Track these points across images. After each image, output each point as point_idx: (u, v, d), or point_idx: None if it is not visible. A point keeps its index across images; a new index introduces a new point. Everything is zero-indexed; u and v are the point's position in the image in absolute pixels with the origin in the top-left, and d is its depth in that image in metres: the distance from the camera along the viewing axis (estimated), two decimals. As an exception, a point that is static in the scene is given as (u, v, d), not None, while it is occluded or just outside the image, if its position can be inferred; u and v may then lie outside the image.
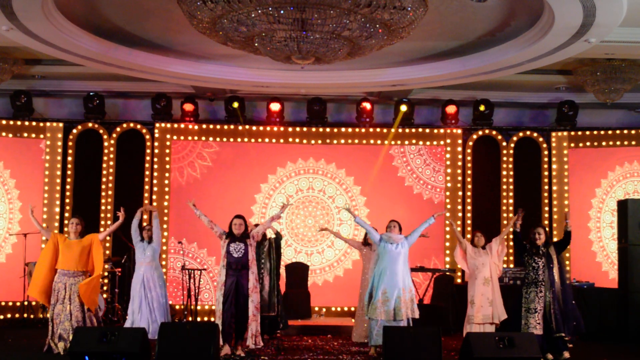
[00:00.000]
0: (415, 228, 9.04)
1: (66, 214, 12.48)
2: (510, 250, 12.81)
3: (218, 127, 13.00)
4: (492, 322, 9.49)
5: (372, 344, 8.73)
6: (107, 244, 12.49)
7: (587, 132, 13.01)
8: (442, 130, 13.10)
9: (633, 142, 12.84)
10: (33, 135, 12.65)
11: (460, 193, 12.96)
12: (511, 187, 13.01)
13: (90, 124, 12.76)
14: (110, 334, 7.40)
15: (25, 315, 11.67)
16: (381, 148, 13.10)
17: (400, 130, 13.08)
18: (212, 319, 8.86)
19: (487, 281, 9.60)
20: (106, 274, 11.67)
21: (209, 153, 13.01)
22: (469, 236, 12.65)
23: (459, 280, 12.06)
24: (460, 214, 12.89)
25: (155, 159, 12.82)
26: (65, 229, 8.80)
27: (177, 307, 12.33)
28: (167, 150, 12.85)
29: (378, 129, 13.11)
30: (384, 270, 8.73)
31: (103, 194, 12.67)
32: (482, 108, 12.86)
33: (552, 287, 8.51)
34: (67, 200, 12.62)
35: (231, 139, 13.00)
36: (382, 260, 8.84)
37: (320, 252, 12.99)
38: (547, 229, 9.96)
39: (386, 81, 11.65)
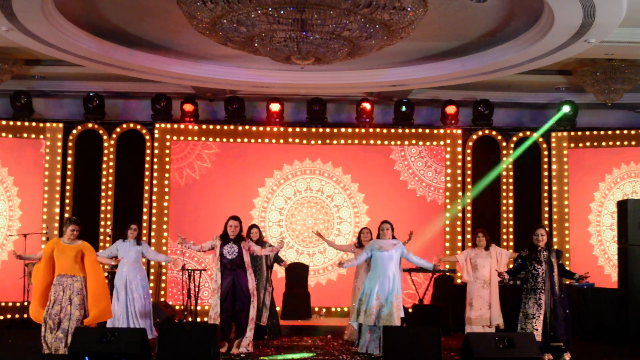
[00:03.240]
0: (416, 258, 8.94)
1: (66, 215, 12.48)
2: (511, 251, 12.82)
3: (218, 127, 13.00)
4: (489, 325, 9.50)
5: (371, 353, 8.69)
6: (107, 245, 12.48)
7: (587, 133, 13.01)
8: (442, 131, 13.10)
9: (633, 143, 12.84)
10: (33, 136, 12.65)
11: (460, 193, 12.96)
12: (511, 187, 13.01)
13: (90, 125, 12.76)
14: (110, 334, 7.41)
15: (25, 315, 11.64)
16: (381, 148, 13.10)
17: (400, 130, 13.09)
18: (206, 319, 8.87)
19: (486, 284, 9.59)
20: (106, 274, 11.66)
21: (208, 153, 13.01)
22: (469, 236, 12.67)
23: (458, 281, 12.04)
24: (460, 214, 12.89)
25: (155, 160, 12.82)
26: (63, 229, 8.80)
27: (177, 307, 12.34)
28: (167, 151, 12.85)
29: (378, 129, 13.11)
30: (377, 277, 8.69)
31: (103, 194, 12.67)
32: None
33: (554, 296, 8.46)
34: (67, 201, 12.62)
35: (231, 140, 13.00)
36: (375, 267, 8.79)
37: (311, 255, 12.97)
38: (547, 228, 9.88)
39: (386, 81, 11.65)
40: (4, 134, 12.54)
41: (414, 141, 13.14)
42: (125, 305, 9.76)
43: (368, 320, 8.56)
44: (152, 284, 12.03)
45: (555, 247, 9.23)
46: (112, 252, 9.96)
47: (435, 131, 13.14)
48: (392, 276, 8.70)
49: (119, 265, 9.99)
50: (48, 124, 12.69)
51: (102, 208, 12.62)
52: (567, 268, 12.40)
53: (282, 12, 7.42)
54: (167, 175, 12.81)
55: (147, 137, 12.85)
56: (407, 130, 13.12)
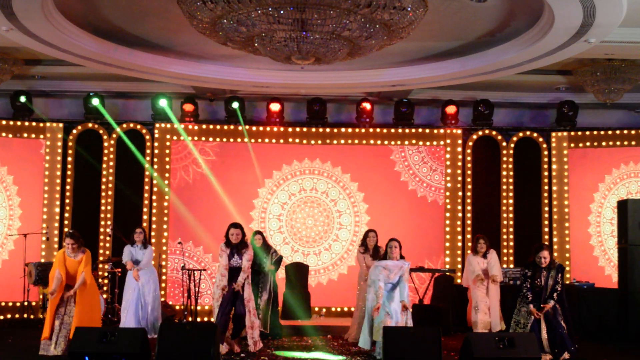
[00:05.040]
0: (405, 289, 8.73)
1: (66, 214, 12.49)
2: (511, 251, 12.83)
3: (218, 127, 13.00)
4: (490, 330, 9.53)
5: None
6: (107, 245, 12.50)
7: (587, 132, 13.01)
8: (442, 131, 13.10)
9: (633, 142, 12.84)
10: (33, 136, 12.65)
11: (460, 193, 12.96)
12: (511, 187, 13.00)
13: (90, 124, 12.76)
14: (110, 334, 7.40)
15: (25, 315, 11.67)
16: (381, 148, 13.10)
17: (400, 130, 13.08)
18: (212, 319, 8.95)
19: (487, 290, 9.70)
20: (106, 274, 11.68)
21: (209, 153, 13.01)
22: (469, 236, 12.67)
23: (458, 281, 12.05)
24: (460, 214, 12.89)
25: (155, 159, 12.82)
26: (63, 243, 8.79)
27: (177, 307, 12.33)
28: (167, 151, 12.85)
29: (378, 129, 13.10)
30: (385, 293, 8.67)
31: (103, 194, 12.67)
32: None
33: (547, 314, 8.47)
34: (67, 201, 12.61)
35: (231, 139, 13.00)
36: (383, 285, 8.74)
37: (318, 253, 12.98)
38: (550, 249, 9.60)
39: (386, 81, 11.66)
40: (4, 134, 12.54)
41: (414, 141, 13.14)
42: (136, 311, 9.75)
43: (378, 336, 8.48)
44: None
45: (557, 262, 9.13)
46: (127, 257, 9.95)
47: (435, 131, 13.14)
48: (396, 299, 8.67)
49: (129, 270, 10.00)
50: (48, 124, 12.69)
51: (102, 208, 12.62)
52: (568, 275, 12.43)
53: (282, 12, 7.42)
54: (167, 175, 12.81)
55: (147, 137, 12.85)
56: (407, 130, 13.12)
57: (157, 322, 9.83)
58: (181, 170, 12.95)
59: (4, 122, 12.56)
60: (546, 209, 12.94)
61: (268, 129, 12.99)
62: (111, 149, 12.75)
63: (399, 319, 8.61)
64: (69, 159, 12.69)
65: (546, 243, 12.20)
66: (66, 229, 12.24)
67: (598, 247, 12.78)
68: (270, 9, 7.39)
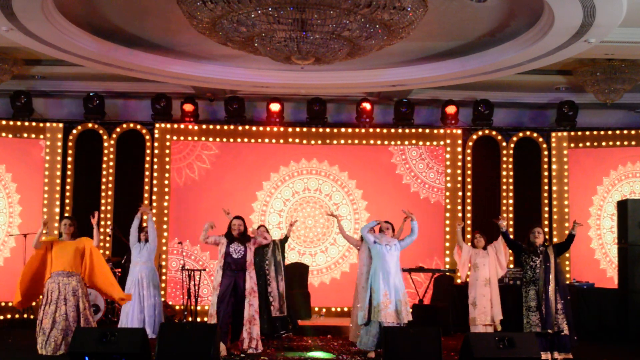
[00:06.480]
0: (406, 237, 9.02)
1: (66, 215, 12.48)
2: (510, 251, 12.82)
3: (218, 127, 13.01)
4: (492, 323, 9.55)
5: (372, 348, 8.67)
6: (107, 245, 12.49)
7: (587, 133, 13.01)
8: (442, 131, 13.10)
9: (633, 142, 12.85)
10: (33, 136, 12.65)
11: (460, 193, 12.96)
12: (511, 187, 13.01)
13: (90, 124, 12.76)
14: (110, 334, 7.39)
15: (25, 315, 11.68)
16: (381, 148, 13.10)
17: (400, 130, 13.08)
18: (210, 314, 8.92)
19: (487, 282, 9.69)
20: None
21: (208, 154, 13.01)
22: (469, 236, 12.66)
23: (458, 281, 12.04)
24: (460, 214, 12.89)
25: (155, 160, 12.82)
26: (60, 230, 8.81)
27: (177, 307, 12.33)
28: (167, 151, 12.85)
29: (378, 130, 13.11)
30: (381, 273, 8.69)
31: (103, 194, 12.67)
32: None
33: (546, 286, 8.50)
34: (67, 201, 12.61)
35: (231, 140, 13.00)
36: (376, 263, 8.81)
37: (314, 254, 12.98)
38: (545, 229, 9.94)
39: (386, 81, 11.66)
40: (4, 134, 12.54)
41: (414, 141, 13.14)
42: (136, 302, 9.76)
43: (383, 316, 8.53)
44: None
45: (555, 239, 9.28)
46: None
47: (435, 131, 13.14)
48: (394, 276, 8.70)
49: (131, 265, 10.01)
50: (48, 124, 12.69)
51: (102, 208, 12.62)
52: (568, 275, 12.42)
53: (282, 12, 7.42)
54: (167, 175, 12.81)
55: (147, 137, 12.85)
56: (407, 130, 13.12)
57: (159, 317, 9.85)
58: (181, 170, 12.95)
59: (4, 122, 12.56)
60: (546, 209, 12.94)
61: (268, 129, 12.99)
62: (111, 149, 12.75)
63: (400, 297, 8.62)
64: (69, 159, 12.69)
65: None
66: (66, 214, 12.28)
67: (597, 247, 12.77)
68: (270, 9, 7.39)
